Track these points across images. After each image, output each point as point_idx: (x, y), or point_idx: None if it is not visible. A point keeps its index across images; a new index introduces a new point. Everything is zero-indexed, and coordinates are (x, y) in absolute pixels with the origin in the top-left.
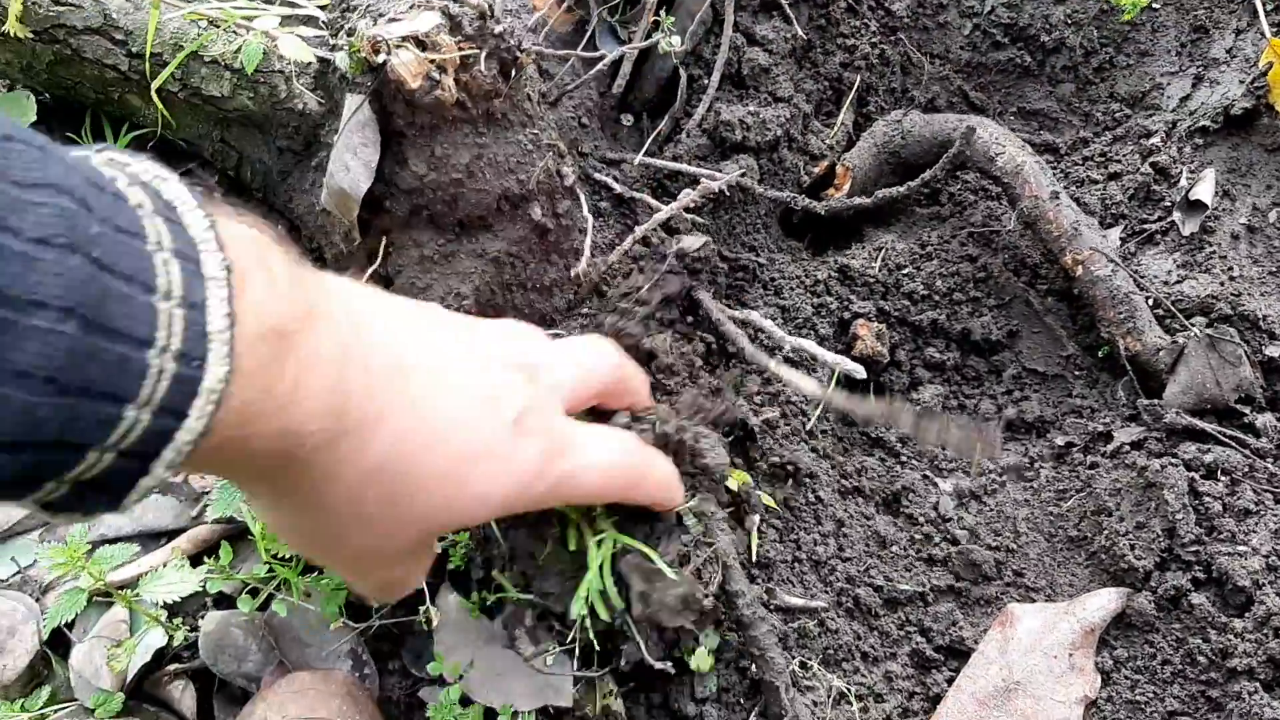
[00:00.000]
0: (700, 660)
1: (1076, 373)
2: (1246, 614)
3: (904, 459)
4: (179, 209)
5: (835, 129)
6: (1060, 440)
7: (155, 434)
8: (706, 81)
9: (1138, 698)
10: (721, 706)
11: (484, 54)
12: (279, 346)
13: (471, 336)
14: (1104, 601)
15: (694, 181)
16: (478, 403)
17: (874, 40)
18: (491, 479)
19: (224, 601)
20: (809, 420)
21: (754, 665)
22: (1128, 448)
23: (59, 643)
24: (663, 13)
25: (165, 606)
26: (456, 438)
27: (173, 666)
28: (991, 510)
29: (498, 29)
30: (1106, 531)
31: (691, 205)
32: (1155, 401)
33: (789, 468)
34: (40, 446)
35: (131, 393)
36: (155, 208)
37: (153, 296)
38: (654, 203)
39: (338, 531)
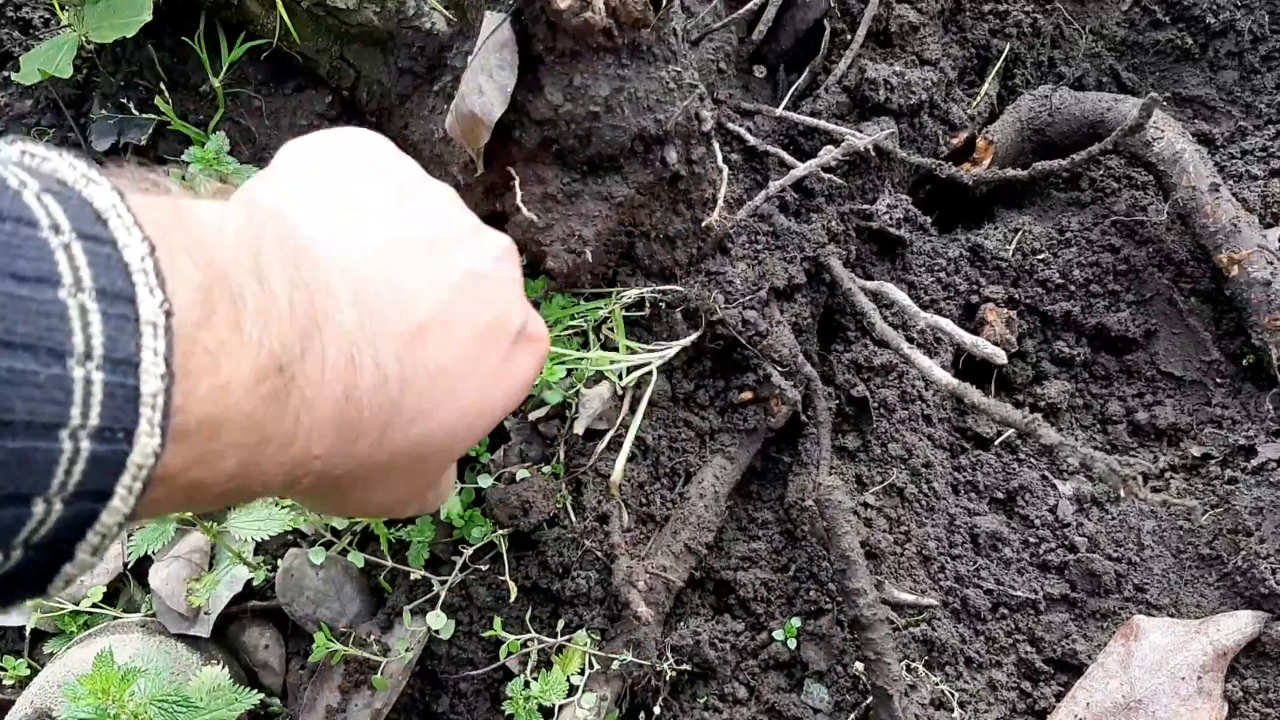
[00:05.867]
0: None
1: (1218, 380)
2: None
3: (1022, 457)
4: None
5: (978, 99)
6: (1195, 451)
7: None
8: (849, 36)
9: None
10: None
11: None
12: (276, 383)
13: (445, 235)
14: (1240, 624)
15: (830, 140)
16: (485, 337)
17: (1027, 8)
18: (504, 398)
19: (304, 541)
20: (927, 406)
21: (866, 669)
22: (1274, 464)
23: (141, 567)
24: None
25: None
26: (474, 384)
27: (253, 603)
28: (1114, 519)
29: None
30: (1244, 552)
31: (831, 164)
32: None
33: (904, 454)
34: None
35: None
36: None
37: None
38: (789, 158)
39: (362, 500)
